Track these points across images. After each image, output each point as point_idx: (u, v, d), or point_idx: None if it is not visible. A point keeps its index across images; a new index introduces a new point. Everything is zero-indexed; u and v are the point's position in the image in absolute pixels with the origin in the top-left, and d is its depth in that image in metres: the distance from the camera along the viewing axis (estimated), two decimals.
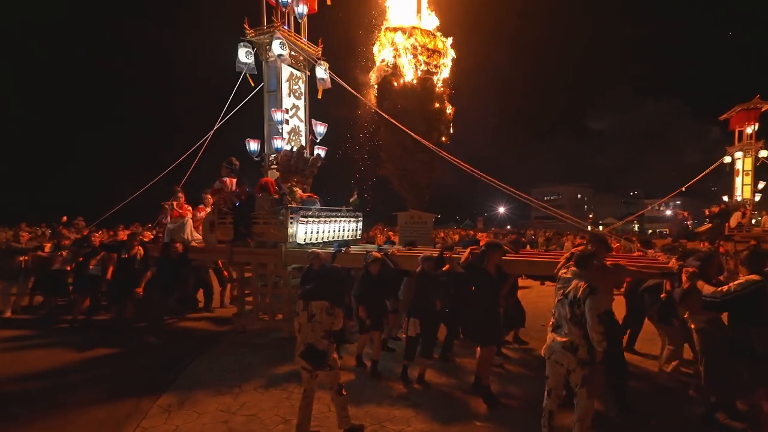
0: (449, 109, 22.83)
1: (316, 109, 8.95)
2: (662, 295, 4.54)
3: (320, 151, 8.26)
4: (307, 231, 6.60)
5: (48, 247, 9.96)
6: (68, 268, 8.19)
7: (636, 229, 48.19)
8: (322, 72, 8.30)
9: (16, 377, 5.17)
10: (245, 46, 7.64)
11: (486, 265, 4.45)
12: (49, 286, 8.35)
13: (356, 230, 8.01)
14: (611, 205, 67.37)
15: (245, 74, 7.86)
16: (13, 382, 5.05)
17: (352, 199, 8.28)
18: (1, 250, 8.88)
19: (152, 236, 9.90)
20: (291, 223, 6.45)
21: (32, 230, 14.54)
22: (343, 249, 6.00)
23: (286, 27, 7.78)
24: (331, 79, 8.44)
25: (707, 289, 3.64)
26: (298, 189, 6.65)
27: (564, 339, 3.26)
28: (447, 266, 4.90)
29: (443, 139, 18.44)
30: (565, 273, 3.44)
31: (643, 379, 5.03)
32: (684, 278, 3.95)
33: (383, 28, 21.81)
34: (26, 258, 8.67)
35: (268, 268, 6.81)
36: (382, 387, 4.76)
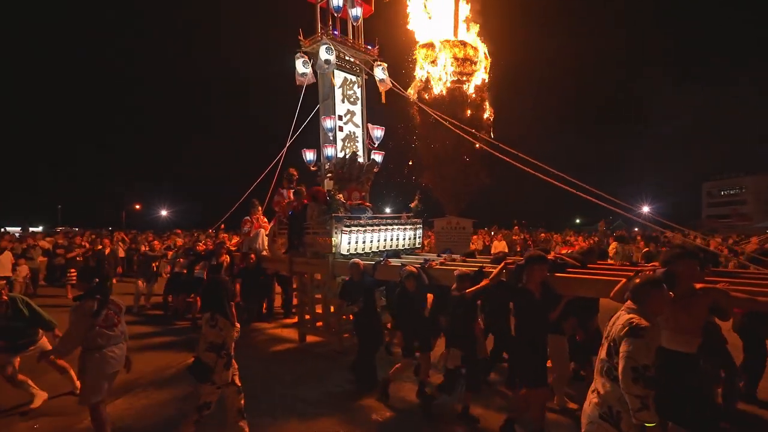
0: (487, 114, 23.43)
1: (379, 113, 8.63)
2: None
3: (376, 156, 7.87)
4: (350, 241, 6.26)
5: (171, 254, 11.66)
6: (184, 272, 9.16)
7: None
8: (380, 72, 7.93)
9: None
10: (301, 57, 7.65)
11: (526, 283, 3.56)
12: (171, 287, 9.53)
13: (415, 238, 7.40)
14: None
15: (304, 86, 7.89)
16: None
17: (413, 204, 7.72)
18: (142, 256, 10.56)
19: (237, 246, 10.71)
20: (335, 233, 6.19)
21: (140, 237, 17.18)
22: (382, 260, 5.51)
23: (336, 32, 7.61)
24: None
25: None
26: (340, 196, 6.35)
27: (597, 401, 2.30)
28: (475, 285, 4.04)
29: (477, 146, 17.96)
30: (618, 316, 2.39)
31: None
32: None
33: (417, 45, 22.82)
34: (157, 263, 10.48)
35: (321, 279, 6.69)
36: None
